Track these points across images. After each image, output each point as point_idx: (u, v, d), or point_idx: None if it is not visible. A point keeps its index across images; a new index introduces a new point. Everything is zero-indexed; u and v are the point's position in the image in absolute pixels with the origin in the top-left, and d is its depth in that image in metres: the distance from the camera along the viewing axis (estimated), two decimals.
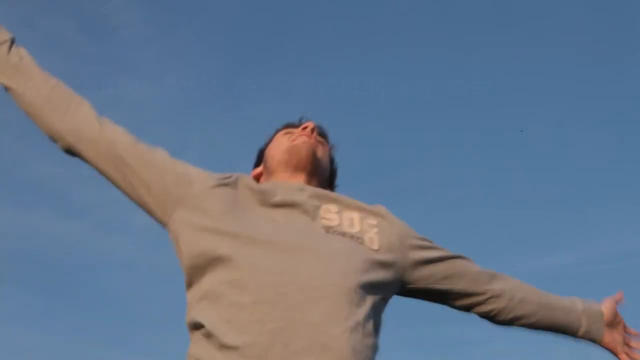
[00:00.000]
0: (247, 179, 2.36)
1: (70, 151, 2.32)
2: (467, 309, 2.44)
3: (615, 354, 2.54)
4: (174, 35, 9.61)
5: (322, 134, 2.52)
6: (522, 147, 9.62)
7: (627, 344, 2.55)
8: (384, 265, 2.23)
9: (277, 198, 2.27)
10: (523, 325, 2.47)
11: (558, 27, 8.94)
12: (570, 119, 9.42)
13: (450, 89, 8.94)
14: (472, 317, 2.47)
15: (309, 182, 2.39)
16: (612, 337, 2.53)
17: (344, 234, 2.23)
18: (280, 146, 2.45)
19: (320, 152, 2.46)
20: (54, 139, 2.32)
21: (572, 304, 2.52)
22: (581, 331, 2.51)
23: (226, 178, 2.31)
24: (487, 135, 9.77)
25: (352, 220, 2.29)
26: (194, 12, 9.58)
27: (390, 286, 2.27)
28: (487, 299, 2.41)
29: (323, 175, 2.47)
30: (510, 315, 2.44)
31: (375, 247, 2.25)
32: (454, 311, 2.44)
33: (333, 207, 2.31)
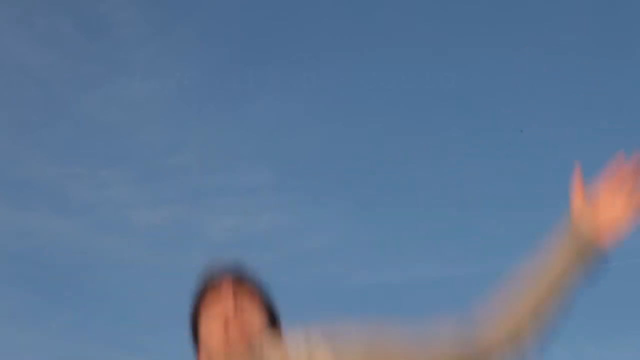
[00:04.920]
0: None
1: None
2: None
3: (629, 218, 2.01)
4: (172, 33, 9.61)
5: (244, 282, 2.35)
6: (522, 147, 9.61)
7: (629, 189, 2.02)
8: None
9: None
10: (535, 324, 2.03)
11: (558, 27, 8.95)
12: (570, 119, 9.42)
13: (450, 88, 8.93)
14: None
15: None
16: (608, 213, 2.02)
17: None
18: (214, 338, 2.31)
19: (250, 321, 2.31)
20: None
21: (549, 254, 2.05)
22: (580, 261, 2.02)
23: None
24: (486, 135, 9.76)
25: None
26: (192, 10, 9.58)
27: None
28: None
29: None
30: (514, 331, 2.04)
31: None
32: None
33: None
